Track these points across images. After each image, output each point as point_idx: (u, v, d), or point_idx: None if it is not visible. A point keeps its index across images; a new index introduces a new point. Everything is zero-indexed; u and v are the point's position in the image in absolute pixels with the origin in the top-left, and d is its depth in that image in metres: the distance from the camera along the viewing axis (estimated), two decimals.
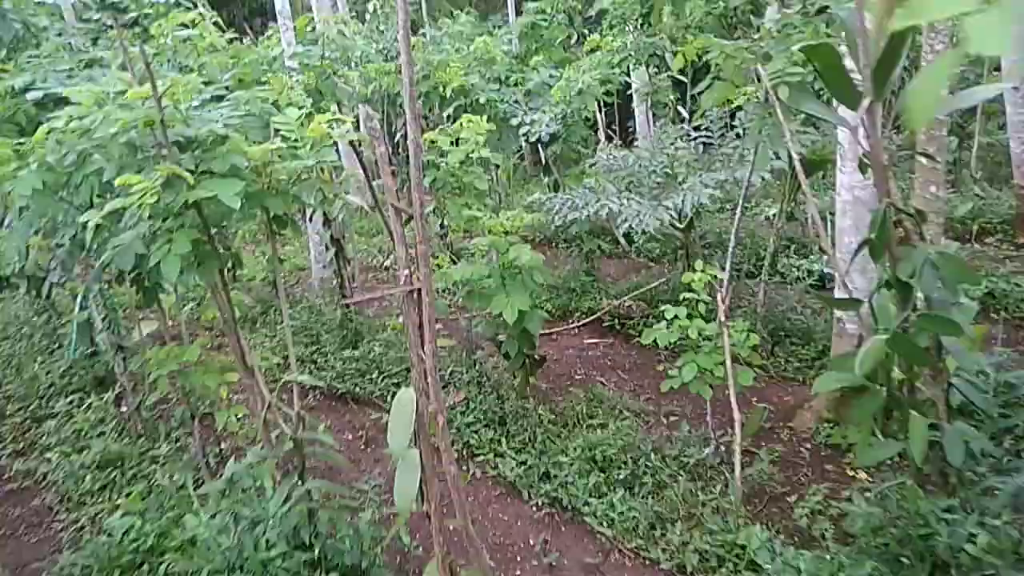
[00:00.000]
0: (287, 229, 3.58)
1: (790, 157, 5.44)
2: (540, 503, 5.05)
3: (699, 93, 4.97)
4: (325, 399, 6.96)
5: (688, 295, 4.97)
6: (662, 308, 5.05)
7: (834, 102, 4.07)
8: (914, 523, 3.64)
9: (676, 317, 4.88)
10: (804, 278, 9.02)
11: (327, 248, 8.07)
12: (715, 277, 4.97)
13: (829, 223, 8.29)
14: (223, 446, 5.83)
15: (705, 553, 4.30)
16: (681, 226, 6.73)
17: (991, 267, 8.44)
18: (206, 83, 4.07)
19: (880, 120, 3.55)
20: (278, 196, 3.19)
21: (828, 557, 3.87)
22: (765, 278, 7.19)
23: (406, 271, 2.47)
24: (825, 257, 9.50)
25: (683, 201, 5.92)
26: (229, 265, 3.77)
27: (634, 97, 12.77)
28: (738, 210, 4.84)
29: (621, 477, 5.09)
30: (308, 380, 4.17)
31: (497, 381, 6.47)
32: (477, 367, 6.72)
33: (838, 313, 5.81)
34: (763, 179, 5.87)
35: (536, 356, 6.30)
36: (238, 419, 4.92)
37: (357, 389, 6.83)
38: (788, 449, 5.60)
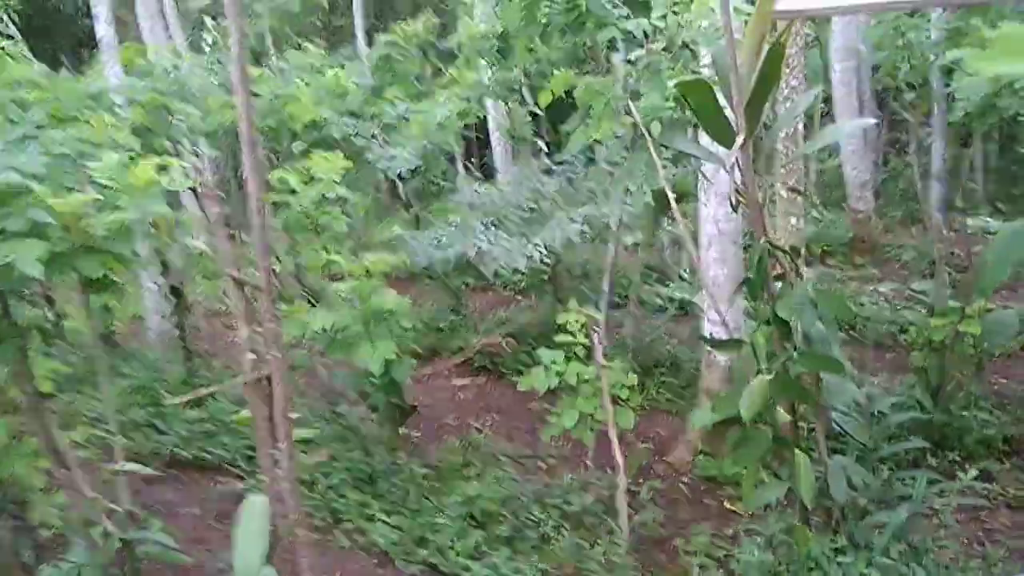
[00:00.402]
0: (108, 292, 3.05)
1: (653, 191, 5.41)
2: (416, 572, 4.64)
3: (557, 126, 4.86)
4: (167, 467, 6.21)
5: (563, 338, 4.76)
6: (537, 351, 4.82)
7: (702, 138, 4.03)
8: (805, 567, 3.56)
9: (554, 362, 4.66)
10: (667, 307, 9.15)
11: (166, 298, 7.31)
12: (589, 317, 4.81)
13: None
14: (44, 535, 5.01)
15: None
16: (550, 261, 6.58)
17: (837, 289, 8.88)
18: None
19: (751, 157, 3.49)
20: (93, 255, 2.68)
21: None
22: (633, 309, 7.17)
23: (251, 355, 2.07)
24: (686, 285, 9.70)
25: (552, 237, 5.76)
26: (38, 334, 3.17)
27: (491, 131, 12.70)
28: (610, 247, 4.72)
29: (503, 534, 4.78)
30: (135, 469, 3.57)
31: (364, 435, 6.00)
32: (341, 420, 6.24)
33: (706, 345, 5.82)
34: (631, 211, 5.81)
35: (406, 405, 5.90)
36: (59, 511, 4.20)
37: (205, 455, 6.13)
38: (667, 485, 5.51)
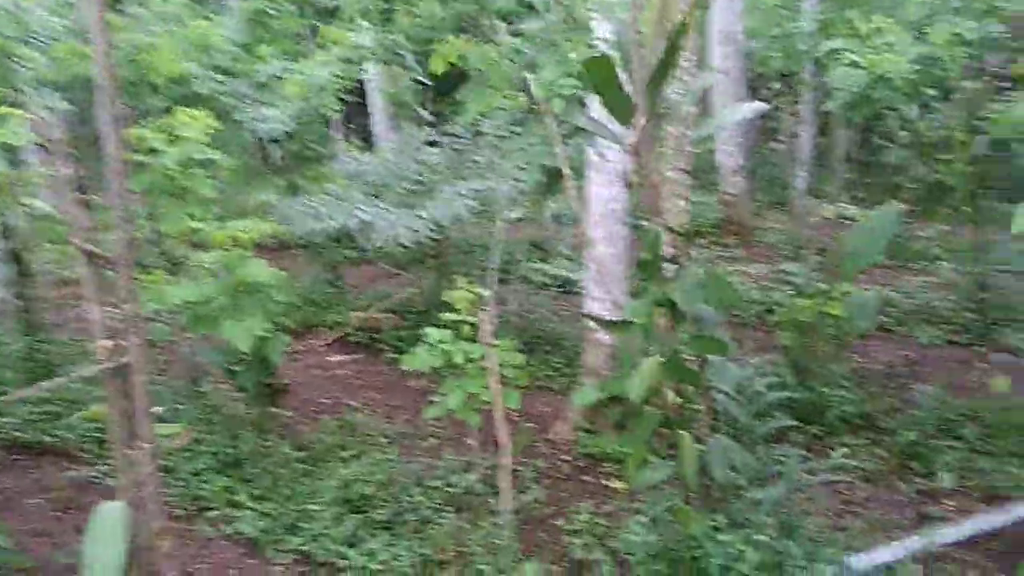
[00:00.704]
0: None
1: (544, 167, 5.31)
2: (289, 561, 4.39)
3: (442, 96, 4.67)
4: (6, 452, 5.61)
5: (450, 315, 4.60)
6: (422, 329, 4.64)
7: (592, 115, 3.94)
8: (687, 546, 3.59)
9: (440, 340, 4.49)
10: (549, 284, 9.17)
11: (4, 264, 6.57)
12: (477, 295, 4.66)
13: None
14: None
15: None
16: (436, 236, 6.37)
17: (708, 268, 9.16)
18: None
19: (651, 137, 3.43)
20: None
21: None
22: (517, 286, 7.10)
23: (107, 341, 1.78)
24: (567, 263, 9.76)
25: (439, 211, 5.56)
26: None
27: (369, 97, 12.25)
28: (499, 224, 4.59)
29: (382, 518, 4.60)
30: None
31: (231, 415, 5.63)
32: (205, 400, 5.83)
33: (590, 323, 5.82)
34: (520, 187, 5.70)
35: (278, 384, 5.58)
36: None
37: (49, 438, 5.57)
38: (549, 464, 5.48)
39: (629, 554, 3.85)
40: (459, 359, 4.45)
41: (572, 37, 3.81)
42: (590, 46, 3.75)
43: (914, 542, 3.98)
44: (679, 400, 3.61)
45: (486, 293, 4.65)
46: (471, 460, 5.14)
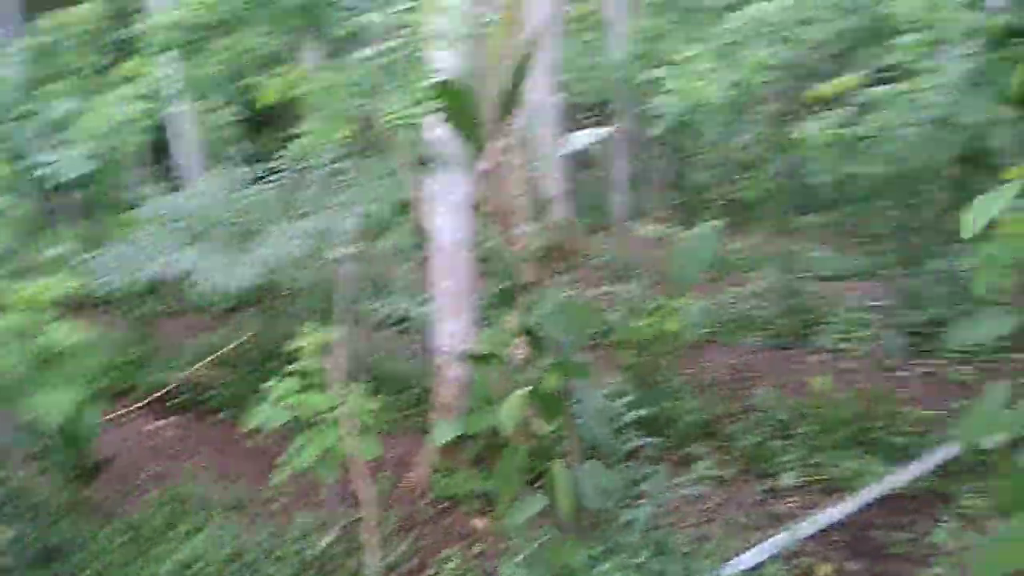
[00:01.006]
0: None
1: (385, 201, 5.10)
2: None
3: (262, 130, 4.37)
4: None
5: (295, 365, 4.26)
6: (263, 383, 4.26)
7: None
8: None
9: (283, 395, 4.13)
10: (386, 322, 8.88)
11: None
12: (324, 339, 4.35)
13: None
14: None
15: None
16: (264, 280, 5.93)
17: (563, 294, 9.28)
18: None
19: (502, 165, 3.36)
20: None
21: None
22: (357, 326, 6.79)
23: None
24: (405, 297, 9.52)
25: (272, 253, 5.18)
26: None
27: (177, 135, 11.43)
28: (347, 263, 4.33)
29: None
30: None
31: (39, 501, 4.89)
32: (8, 485, 5.04)
33: (439, 359, 5.64)
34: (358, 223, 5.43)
35: (94, 460, 4.93)
36: None
37: None
38: (408, 511, 5.21)
39: None
40: (308, 413, 4.11)
41: (412, 67, 3.67)
42: (433, 76, 3.63)
43: (776, 542, 4.12)
44: (546, 430, 3.52)
45: (334, 336, 4.36)
46: (325, 520, 4.79)
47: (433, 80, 3.21)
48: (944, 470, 4.95)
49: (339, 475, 4.35)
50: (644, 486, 4.23)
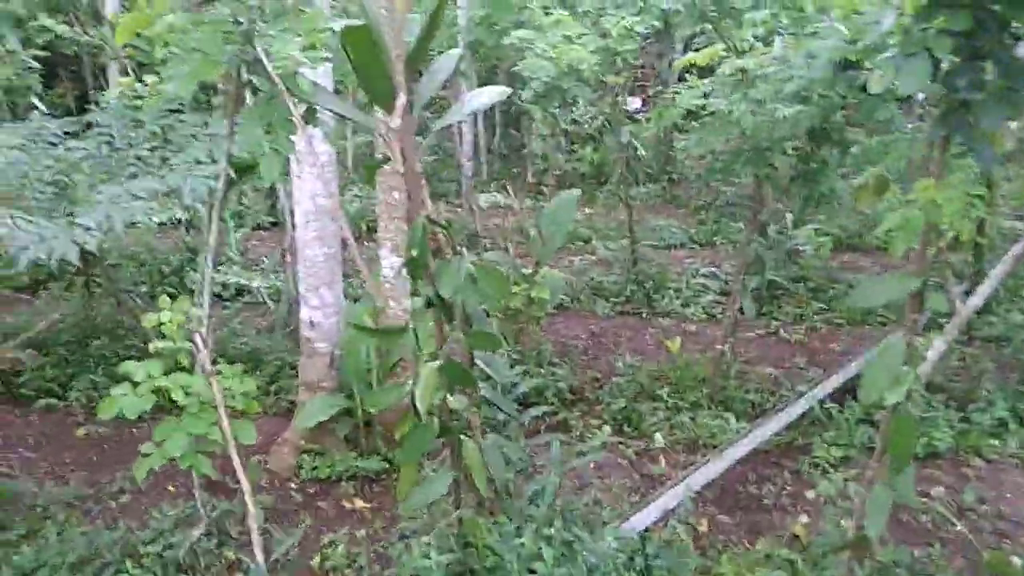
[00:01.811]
0: None
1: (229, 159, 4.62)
2: None
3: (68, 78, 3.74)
4: None
5: (158, 344, 3.76)
6: (124, 365, 3.73)
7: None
8: (483, 557, 3.39)
9: (150, 376, 3.64)
10: (223, 295, 8.22)
11: None
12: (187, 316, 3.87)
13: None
14: None
15: None
16: (91, 250, 5.22)
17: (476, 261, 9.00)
18: None
19: (413, 122, 3.11)
20: None
21: None
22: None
23: None
24: (238, 268, 8.87)
25: (107, 218, 4.54)
26: None
27: None
28: (213, 226, 3.84)
29: None
30: None
31: None
32: None
33: (305, 332, 5.27)
34: (208, 187, 4.88)
35: None
36: None
37: None
38: (277, 495, 4.86)
39: None
40: (179, 396, 3.65)
41: (299, 9, 3.29)
42: (325, 21, 3.27)
43: (663, 502, 4.25)
44: (461, 404, 3.36)
45: (198, 312, 3.90)
46: (188, 514, 4.34)
47: (338, 24, 2.89)
48: (796, 424, 5.36)
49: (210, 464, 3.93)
50: (543, 458, 4.19)
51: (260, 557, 3.73)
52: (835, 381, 5.71)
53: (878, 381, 2.97)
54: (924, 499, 4.18)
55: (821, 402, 5.46)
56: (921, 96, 6.86)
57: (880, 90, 3.02)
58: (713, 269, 8.82)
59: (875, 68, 4.25)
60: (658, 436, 5.47)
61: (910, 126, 6.73)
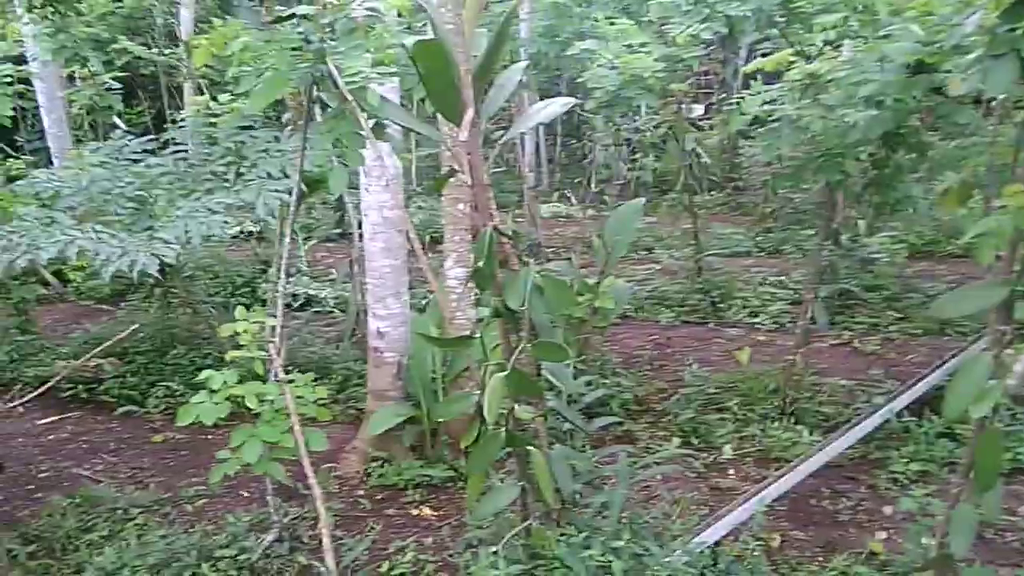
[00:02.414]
0: None
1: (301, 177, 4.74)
2: None
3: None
4: None
5: (234, 352, 3.88)
6: (204, 373, 3.86)
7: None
8: (548, 567, 3.37)
9: (226, 384, 3.75)
10: (291, 304, 8.42)
11: None
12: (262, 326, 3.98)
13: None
14: None
15: None
16: (171, 262, 5.42)
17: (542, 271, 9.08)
18: None
19: (480, 135, 3.14)
20: None
21: None
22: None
23: None
24: (306, 280, 9.07)
25: (185, 232, 4.72)
26: None
27: (41, 104, 10.36)
28: (285, 238, 3.95)
29: None
30: None
31: None
32: None
33: (373, 342, 5.36)
34: (281, 201, 5.03)
35: None
36: None
37: None
38: (345, 503, 4.94)
39: None
40: (253, 403, 3.76)
41: (367, 26, 3.37)
42: (394, 37, 3.34)
43: (734, 516, 4.16)
44: (528, 415, 3.37)
45: (272, 322, 4.01)
46: (261, 519, 4.45)
47: (407, 40, 2.94)
48: (871, 437, 5.19)
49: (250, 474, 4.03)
50: (609, 468, 4.16)
51: (331, 563, 3.80)
52: (912, 393, 5.51)
53: (963, 395, 2.85)
54: (1011, 517, 3.99)
55: (898, 415, 5.28)
56: (1001, 97, 6.60)
57: (962, 93, 2.91)
58: (782, 278, 8.63)
59: (955, 71, 4.12)
60: (727, 448, 5.37)
61: (990, 129, 6.48)
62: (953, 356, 5.98)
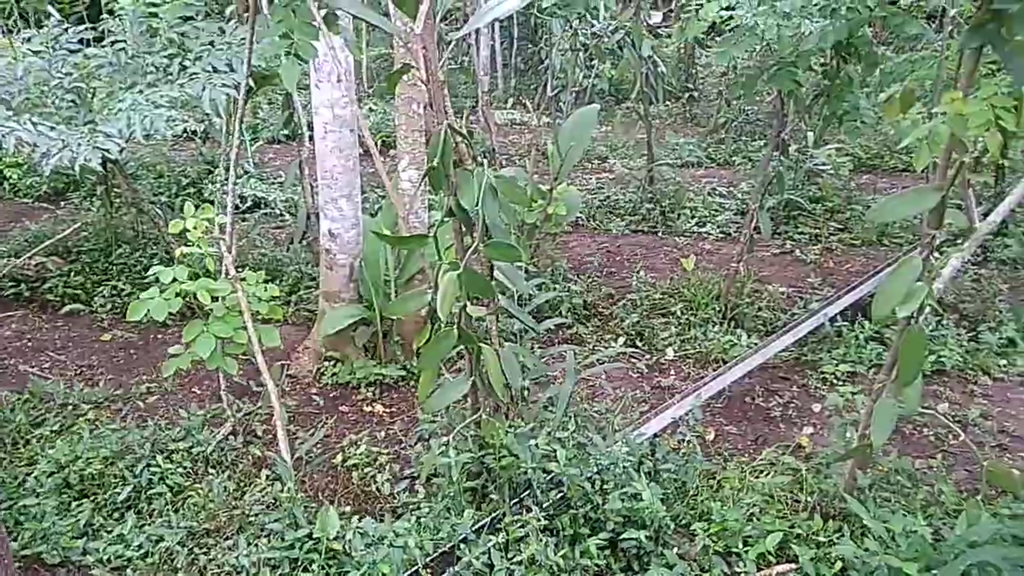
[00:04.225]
0: None
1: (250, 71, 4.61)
2: (13, 570, 3.47)
3: None
4: None
5: (184, 249, 3.85)
6: (153, 268, 3.83)
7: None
8: (499, 456, 3.53)
9: (176, 280, 3.74)
10: (239, 205, 8.28)
11: None
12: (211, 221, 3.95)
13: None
14: None
15: (273, 561, 3.49)
16: (114, 157, 5.25)
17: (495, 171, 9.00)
18: None
19: (435, 29, 3.09)
20: None
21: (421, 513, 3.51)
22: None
23: None
24: (254, 181, 8.90)
25: (128, 126, 4.57)
26: None
27: None
28: (234, 135, 3.86)
29: (122, 497, 3.83)
30: None
31: None
32: None
33: (325, 244, 5.35)
34: (228, 96, 4.88)
35: None
36: None
37: None
38: (299, 400, 5.03)
39: (436, 476, 3.68)
40: (205, 299, 3.77)
41: None
42: None
43: (672, 411, 4.37)
44: (480, 313, 3.45)
45: (222, 219, 3.98)
46: (215, 414, 4.52)
47: None
48: (806, 341, 5.44)
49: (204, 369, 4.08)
50: (557, 366, 4.30)
51: (286, 454, 3.92)
52: (847, 299, 5.76)
53: (892, 295, 3.01)
54: (929, 413, 4.28)
55: (832, 320, 5.54)
56: (952, 11, 6.67)
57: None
58: (731, 188, 8.78)
59: None
60: (669, 350, 5.59)
61: (939, 43, 6.56)
62: (888, 265, 6.24)
